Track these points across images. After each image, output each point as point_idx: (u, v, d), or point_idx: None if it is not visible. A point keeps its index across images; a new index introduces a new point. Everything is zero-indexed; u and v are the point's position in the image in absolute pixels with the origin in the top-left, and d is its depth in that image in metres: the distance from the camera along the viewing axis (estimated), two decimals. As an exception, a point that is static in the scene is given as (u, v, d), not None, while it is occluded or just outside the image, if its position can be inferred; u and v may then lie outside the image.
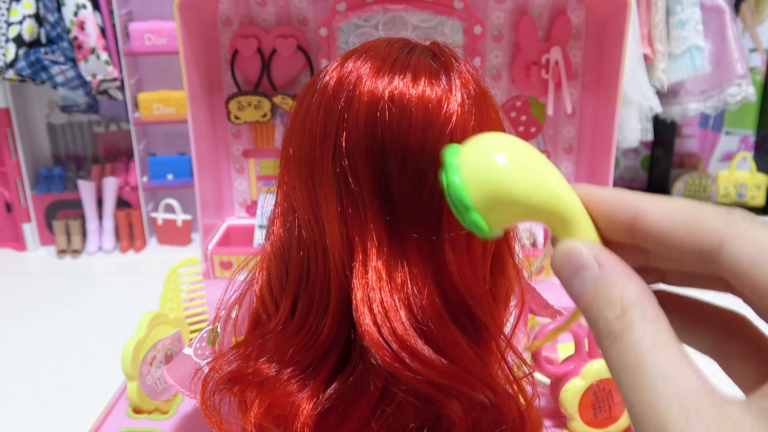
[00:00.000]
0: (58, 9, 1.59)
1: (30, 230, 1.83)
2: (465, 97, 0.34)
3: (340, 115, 0.35)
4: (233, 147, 1.01)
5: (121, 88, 1.68)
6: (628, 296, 0.20)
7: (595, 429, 0.54)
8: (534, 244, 0.97)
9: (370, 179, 0.35)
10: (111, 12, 1.62)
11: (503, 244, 0.39)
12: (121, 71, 1.65)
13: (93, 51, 1.58)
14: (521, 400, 0.40)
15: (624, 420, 0.54)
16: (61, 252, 1.79)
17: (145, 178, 1.79)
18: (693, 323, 0.23)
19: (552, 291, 0.52)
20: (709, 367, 0.21)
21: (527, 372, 0.41)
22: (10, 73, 1.59)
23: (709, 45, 1.59)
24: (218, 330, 0.46)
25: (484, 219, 0.24)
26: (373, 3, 0.88)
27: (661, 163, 2.02)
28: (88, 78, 1.61)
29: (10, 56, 1.57)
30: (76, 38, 1.58)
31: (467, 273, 0.36)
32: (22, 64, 1.58)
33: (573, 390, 0.53)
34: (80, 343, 1.32)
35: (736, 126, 2.05)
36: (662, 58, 1.52)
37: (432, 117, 0.34)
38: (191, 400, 0.48)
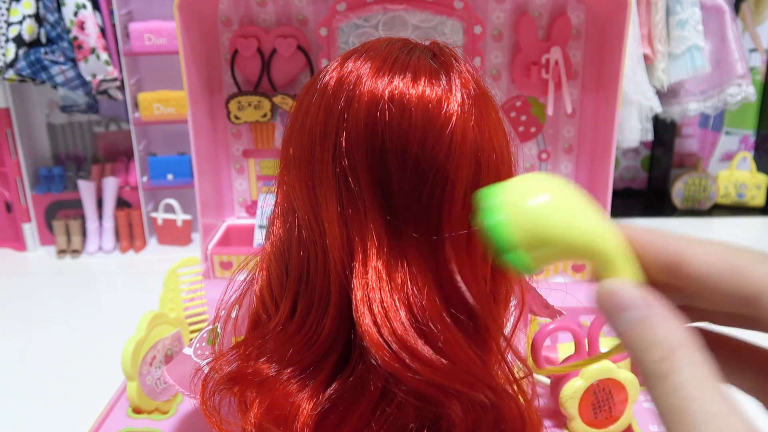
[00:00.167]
0: (58, 9, 1.59)
1: (30, 230, 1.83)
2: (465, 97, 0.34)
3: (340, 115, 0.35)
4: (233, 147, 1.01)
5: (121, 88, 1.68)
6: (674, 339, 0.20)
7: (595, 429, 0.54)
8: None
9: (370, 179, 0.35)
10: (111, 12, 1.62)
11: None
12: (121, 71, 1.65)
13: (93, 51, 1.58)
14: (521, 400, 0.40)
15: (624, 420, 0.54)
16: (61, 252, 1.78)
17: (145, 178, 1.79)
18: (737, 363, 0.23)
19: (552, 292, 0.52)
20: (752, 407, 0.21)
21: (527, 373, 0.41)
22: (10, 73, 1.59)
23: (709, 45, 1.59)
24: (218, 330, 0.46)
25: (524, 259, 0.24)
26: (373, 3, 0.88)
27: (661, 163, 2.02)
28: (88, 78, 1.61)
29: (10, 56, 1.57)
30: (76, 38, 1.58)
31: (467, 273, 0.36)
32: (22, 64, 1.58)
33: (573, 390, 0.53)
34: (80, 343, 1.32)
35: (736, 126, 2.05)
36: (662, 58, 1.52)
37: (432, 117, 0.34)
38: (191, 400, 0.48)
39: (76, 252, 1.79)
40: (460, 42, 0.92)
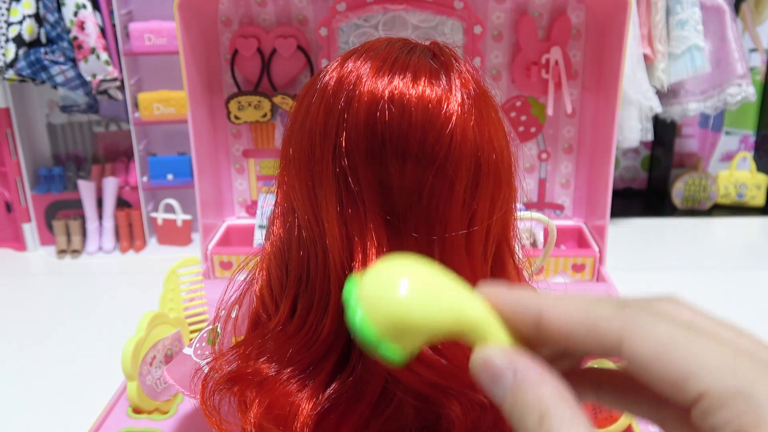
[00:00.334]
0: (58, 9, 1.59)
1: (30, 230, 1.83)
2: (465, 97, 0.34)
3: (340, 115, 0.35)
4: (233, 147, 1.01)
5: (121, 88, 1.68)
6: (544, 402, 0.21)
7: (594, 429, 0.54)
8: (534, 244, 0.97)
9: (370, 179, 0.35)
10: (111, 12, 1.62)
11: (503, 245, 0.39)
12: (121, 71, 1.65)
13: (93, 51, 1.58)
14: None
15: (624, 420, 0.54)
16: (61, 252, 1.79)
17: (145, 178, 1.79)
18: (628, 393, 0.24)
19: (553, 289, 0.52)
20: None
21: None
22: (10, 73, 1.59)
23: (709, 45, 1.59)
24: (218, 330, 0.46)
25: (394, 349, 0.24)
26: (373, 3, 0.88)
27: (661, 163, 2.02)
28: (88, 78, 1.61)
29: (10, 56, 1.57)
30: (76, 38, 1.58)
31: (467, 273, 0.36)
32: (22, 64, 1.58)
33: (573, 390, 0.53)
34: (80, 343, 1.32)
35: (736, 126, 2.05)
36: (662, 58, 1.52)
37: (432, 117, 0.34)
38: (191, 400, 0.48)
39: (76, 252, 1.79)
40: (460, 42, 0.92)
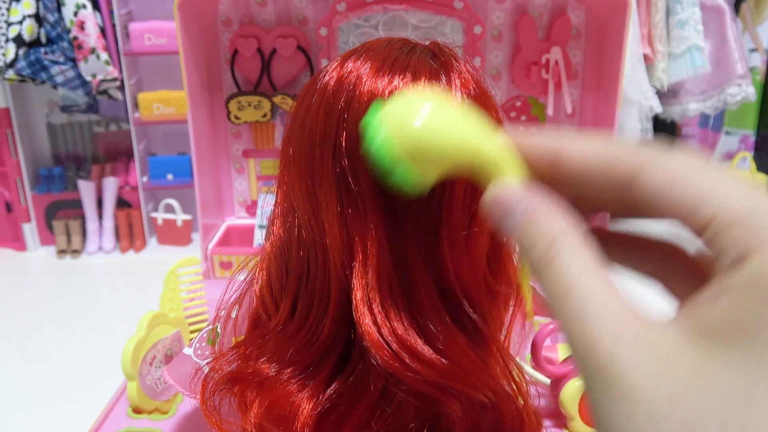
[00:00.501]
0: (58, 9, 1.59)
1: (30, 230, 1.83)
2: (465, 97, 0.34)
3: (340, 115, 0.35)
4: (233, 147, 1.01)
5: (121, 88, 1.68)
6: (553, 231, 0.21)
7: (595, 429, 0.54)
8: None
9: (369, 179, 0.35)
10: (111, 12, 1.62)
11: (503, 244, 0.39)
12: (121, 71, 1.65)
13: (93, 51, 1.58)
14: (521, 400, 0.40)
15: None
16: (61, 252, 1.79)
17: (145, 178, 1.79)
18: (634, 252, 0.25)
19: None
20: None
21: (526, 373, 0.41)
22: (10, 73, 1.59)
23: (709, 45, 1.59)
24: (218, 330, 0.46)
25: (411, 175, 0.25)
26: (373, 3, 0.88)
27: (661, 163, 2.02)
28: (88, 78, 1.61)
29: (10, 56, 1.57)
30: (76, 38, 1.58)
31: (467, 273, 0.36)
32: (22, 64, 1.58)
33: (573, 390, 0.52)
34: (80, 343, 1.32)
35: (736, 126, 2.05)
36: (662, 58, 1.52)
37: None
38: (191, 400, 0.48)
39: (76, 252, 1.79)
40: (460, 42, 0.92)
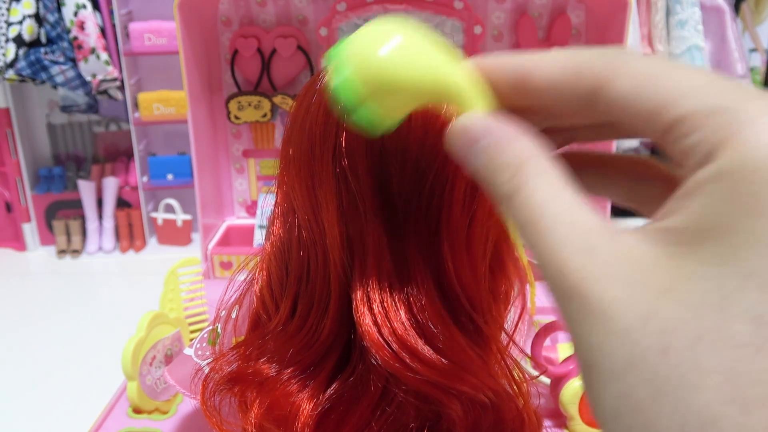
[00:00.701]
0: (58, 9, 1.59)
1: (30, 230, 1.83)
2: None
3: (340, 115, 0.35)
4: (233, 147, 1.01)
5: (121, 88, 1.68)
6: (518, 156, 0.20)
7: (595, 429, 0.54)
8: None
9: (370, 179, 0.35)
10: (111, 12, 1.62)
11: (503, 244, 0.39)
12: (121, 71, 1.65)
13: (93, 51, 1.58)
14: (521, 400, 0.40)
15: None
16: (61, 252, 1.79)
17: (145, 178, 1.79)
18: (608, 176, 0.24)
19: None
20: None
21: (527, 373, 0.41)
22: (10, 73, 1.59)
23: (709, 45, 1.59)
24: (218, 330, 0.46)
25: (374, 112, 0.24)
26: (373, 3, 0.88)
27: (661, 163, 2.02)
28: (88, 78, 1.61)
29: (10, 56, 1.57)
30: (76, 38, 1.58)
31: (467, 272, 0.36)
32: (22, 64, 1.58)
33: (573, 390, 0.52)
34: (80, 343, 1.32)
35: (736, 126, 2.05)
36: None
37: (432, 117, 0.34)
38: (191, 400, 0.48)
39: (76, 252, 1.79)
40: (460, 42, 0.92)
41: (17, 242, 1.85)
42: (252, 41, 0.93)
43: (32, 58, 1.59)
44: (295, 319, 0.39)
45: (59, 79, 1.62)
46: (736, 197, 0.16)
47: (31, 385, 1.19)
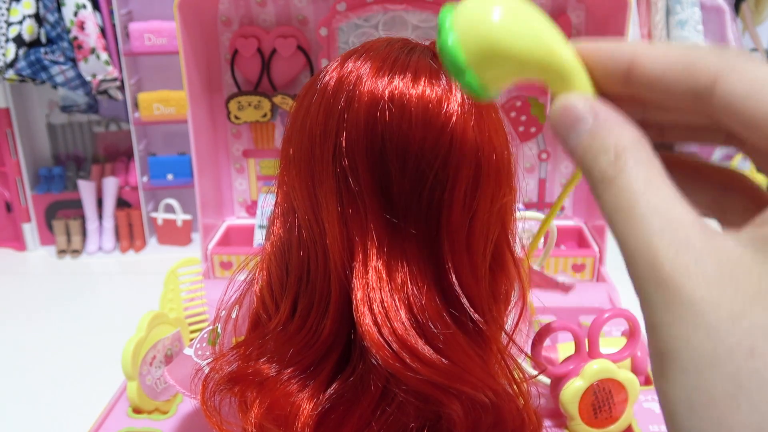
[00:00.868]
0: (58, 9, 1.59)
1: (30, 230, 1.83)
2: (465, 97, 0.35)
3: (340, 115, 0.35)
4: (233, 147, 1.01)
5: (121, 88, 1.68)
6: (622, 142, 0.20)
7: (595, 429, 0.54)
8: (534, 244, 0.97)
9: (370, 179, 0.35)
10: (111, 12, 1.62)
11: (503, 244, 0.39)
12: (121, 71, 1.65)
13: (93, 51, 1.58)
14: (521, 400, 0.40)
15: (624, 420, 0.54)
16: (61, 252, 1.79)
17: (145, 178, 1.79)
18: (692, 182, 0.23)
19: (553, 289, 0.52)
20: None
21: (527, 373, 0.41)
22: (10, 73, 1.59)
23: (709, 45, 1.59)
24: (218, 330, 0.46)
25: (480, 78, 0.24)
26: (373, 3, 0.88)
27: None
28: (88, 78, 1.61)
29: (10, 56, 1.57)
30: (76, 38, 1.58)
31: (467, 272, 0.36)
32: (22, 64, 1.58)
33: (573, 390, 0.53)
34: (80, 343, 1.32)
35: (736, 126, 2.05)
36: (662, 58, 1.52)
37: (432, 117, 0.34)
38: (191, 400, 0.48)
39: (76, 252, 1.79)
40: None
41: (17, 242, 1.85)
42: (252, 41, 0.93)
43: (32, 58, 1.59)
44: (295, 319, 0.39)
45: (59, 79, 1.62)
46: None
47: (30, 384, 1.19)
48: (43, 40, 1.63)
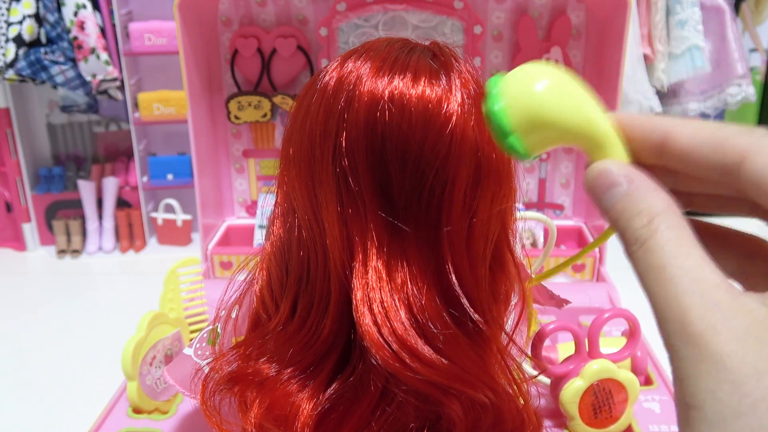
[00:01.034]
0: (58, 9, 1.59)
1: (30, 230, 1.83)
2: (465, 97, 0.34)
3: (340, 115, 0.35)
4: (233, 147, 1.01)
5: (121, 88, 1.68)
6: (655, 207, 0.22)
7: (595, 429, 0.54)
8: (534, 244, 0.97)
9: (370, 179, 0.35)
10: (111, 12, 1.62)
11: (503, 244, 0.39)
12: (121, 71, 1.65)
13: (93, 51, 1.58)
14: (521, 400, 0.40)
15: (624, 420, 0.54)
16: (61, 252, 1.79)
17: (145, 178, 1.79)
18: (717, 248, 0.25)
19: (552, 289, 0.52)
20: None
21: (527, 373, 0.41)
22: (10, 73, 1.59)
23: (709, 45, 1.58)
24: (218, 330, 0.46)
25: (522, 142, 0.26)
26: (373, 3, 0.88)
27: (661, 163, 2.02)
28: (88, 78, 1.61)
29: (10, 56, 1.57)
30: (76, 38, 1.58)
31: (467, 272, 0.36)
32: (22, 64, 1.58)
33: (573, 390, 0.53)
34: (80, 343, 1.32)
35: (736, 126, 2.05)
36: (662, 58, 1.52)
37: (432, 117, 0.34)
38: (191, 400, 0.48)
39: (76, 252, 1.79)
40: (460, 42, 0.92)
41: (17, 242, 1.85)
42: (252, 41, 0.93)
43: (32, 58, 1.59)
44: (295, 319, 0.39)
45: (59, 79, 1.62)
46: None
47: (30, 384, 1.19)
48: (43, 40, 1.63)
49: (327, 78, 0.36)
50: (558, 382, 0.54)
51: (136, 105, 1.70)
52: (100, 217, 1.82)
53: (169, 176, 1.79)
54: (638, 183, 0.23)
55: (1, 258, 1.81)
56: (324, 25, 0.91)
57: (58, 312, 1.48)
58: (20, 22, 1.57)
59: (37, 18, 1.60)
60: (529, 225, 0.94)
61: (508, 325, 0.41)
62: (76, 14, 1.56)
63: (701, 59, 1.51)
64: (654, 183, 0.23)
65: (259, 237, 1.00)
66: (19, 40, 1.57)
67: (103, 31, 1.61)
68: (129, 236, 1.82)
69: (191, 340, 0.52)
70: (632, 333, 0.54)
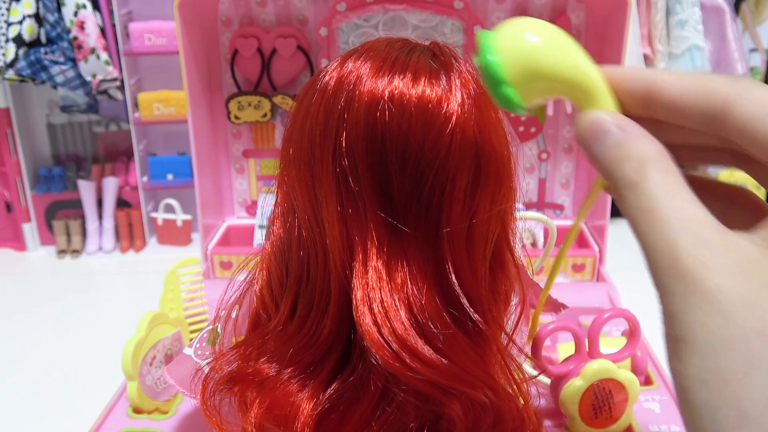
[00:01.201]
0: (58, 9, 1.59)
1: (30, 230, 1.83)
2: (465, 97, 0.34)
3: (340, 115, 0.35)
4: (233, 147, 1.01)
5: (121, 88, 1.68)
6: (645, 152, 0.22)
7: (595, 429, 0.54)
8: (534, 244, 0.97)
9: (370, 179, 0.35)
10: (111, 12, 1.62)
11: (503, 245, 0.39)
12: (121, 71, 1.65)
13: (93, 51, 1.58)
14: (521, 400, 0.40)
15: (624, 420, 0.54)
16: (61, 252, 1.79)
17: (145, 178, 1.79)
18: (702, 197, 0.26)
19: (553, 289, 0.52)
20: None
21: (527, 373, 0.41)
22: (10, 73, 1.59)
23: (709, 45, 1.59)
24: (218, 330, 0.46)
25: (515, 93, 0.27)
26: (373, 3, 0.88)
27: (661, 163, 2.02)
28: (88, 78, 1.61)
29: (10, 56, 1.57)
30: (76, 38, 1.58)
31: (467, 272, 0.36)
32: (22, 64, 1.58)
33: (573, 390, 0.52)
34: (80, 343, 1.32)
35: (736, 126, 2.05)
36: (662, 58, 1.52)
37: (432, 117, 0.34)
38: (191, 400, 0.48)
39: (76, 252, 1.79)
40: (460, 42, 0.92)
41: (17, 242, 1.85)
42: (252, 41, 0.93)
43: (32, 58, 1.59)
44: (295, 319, 0.39)
45: (59, 79, 1.62)
46: None
47: (30, 384, 1.19)
48: (43, 40, 1.63)
49: (327, 78, 0.36)
50: (558, 382, 0.54)
51: (136, 105, 1.70)
52: (100, 217, 1.82)
53: (169, 176, 1.79)
54: (629, 130, 0.23)
55: (1, 258, 1.81)
56: (324, 25, 0.91)
57: (58, 312, 1.48)
58: (20, 22, 1.57)
59: (37, 18, 1.60)
60: (529, 225, 0.94)
61: (509, 325, 0.41)
62: (76, 14, 1.56)
63: (701, 59, 1.51)
64: (644, 130, 0.23)
65: (259, 237, 1.00)
66: (19, 40, 1.57)
67: (103, 31, 1.61)
68: (129, 236, 1.82)
69: (191, 340, 0.52)
70: (632, 333, 0.54)
